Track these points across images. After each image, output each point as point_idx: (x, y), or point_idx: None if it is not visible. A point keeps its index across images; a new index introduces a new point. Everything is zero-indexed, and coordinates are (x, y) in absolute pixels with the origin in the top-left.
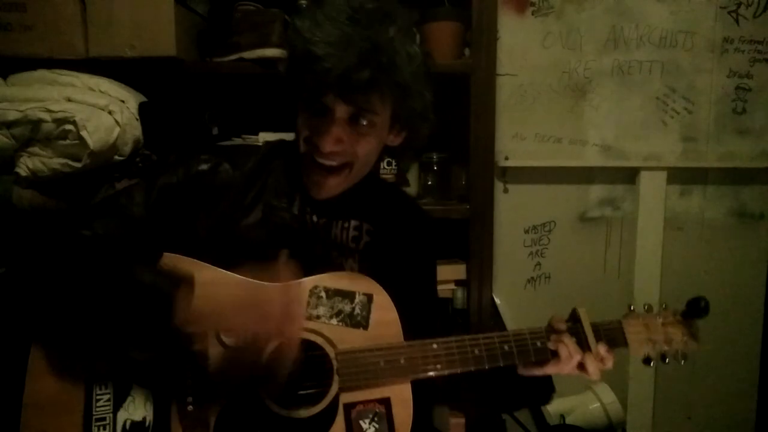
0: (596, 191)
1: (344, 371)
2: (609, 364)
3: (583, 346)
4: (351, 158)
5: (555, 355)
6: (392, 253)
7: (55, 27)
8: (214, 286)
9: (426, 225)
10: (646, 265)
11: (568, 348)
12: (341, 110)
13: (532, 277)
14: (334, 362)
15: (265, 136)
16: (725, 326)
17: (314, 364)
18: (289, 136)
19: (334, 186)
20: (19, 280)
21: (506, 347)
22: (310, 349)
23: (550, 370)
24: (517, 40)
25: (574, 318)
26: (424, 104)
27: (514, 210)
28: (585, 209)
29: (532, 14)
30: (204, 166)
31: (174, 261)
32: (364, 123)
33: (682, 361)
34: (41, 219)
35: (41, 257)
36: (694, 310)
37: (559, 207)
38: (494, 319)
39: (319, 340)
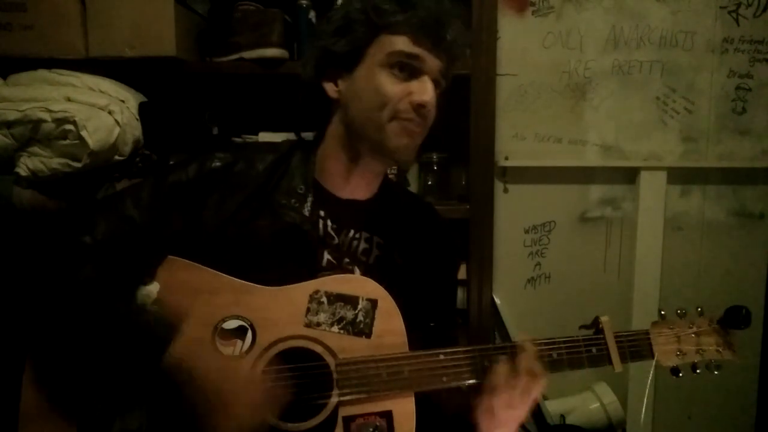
0: (596, 191)
1: (344, 383)
2: (535, 388)
3: (604, 359)
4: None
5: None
6: (407, 269)
7: (55, 27)
8: (211, 294)
9: (448, 240)
10: (646, 265)
11: (501, 371)
12: (434, 64)
13: (532, 277)
14: (334, 373)
15: (265, 136)
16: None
17: (314, 374)
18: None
19: (419, 141)
20: (14, 295)
21: (486, 362)
22: (309, 359)
23: (482, 404)
24: (517, 40)
25: (596, 327)
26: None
27: (514, 210)
28: (585, 209)
29: (532, 14)
30: (218, 163)
31: (172, 267)
32: (443, 82)
33: (715, 372)
34: (42, 221)
35: (38, 275)
36: (734, 319)
37: (559, 207)
38: (494, 319)
39: (318, 349)
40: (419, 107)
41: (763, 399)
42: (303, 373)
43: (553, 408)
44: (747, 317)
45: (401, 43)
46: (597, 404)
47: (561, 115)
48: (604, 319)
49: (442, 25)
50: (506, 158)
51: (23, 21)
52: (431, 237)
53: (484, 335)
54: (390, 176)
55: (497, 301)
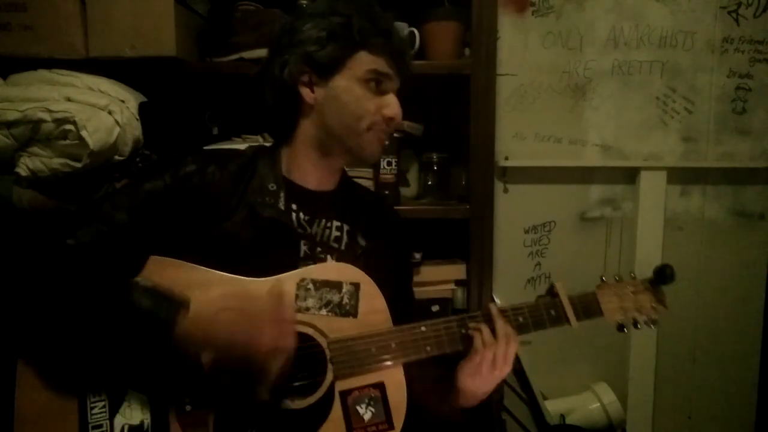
0: (596, 191)
1: (338, 360)
2: (512, 348)
3: (561, 319)
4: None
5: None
6: (369, 252)
7: (55, 27)
8: (203, 288)
9: (401, 226)
10: (646, 265)
11: (482, 335)
12: (396, 83)
13: (532, 277)
14: (327, 352)
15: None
16: (725, 326)
17: (308, 355)
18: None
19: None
20: (5, 297)
21: (463, 330)
22: (302, 341)
23: (467, 367)
24: (517, 40)
25: (552, 292)
26: None
27: (514, 210)
28: (585, 209)
29: (532, 14)
30: (191, 167)
31: (161, 265)
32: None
33: (652, 326)
34: (42, 221)
35: (29, 275)
36: (661, 277)
37: (559, 207)
38: None
39: (310, 331)
40: (390, 120)
41: (763, 398)
42: (298, 354)
43: (553, 408)
44: (672, 274)
45: (378, 63)
46: (597, 404)
47: (561, 115)
48: (558, 284)
49: (406, 52)
50: (506, 158)
51: (23, 21)
52: (386, 221)
53: None
54: (390, 176)
55: (497, 301)
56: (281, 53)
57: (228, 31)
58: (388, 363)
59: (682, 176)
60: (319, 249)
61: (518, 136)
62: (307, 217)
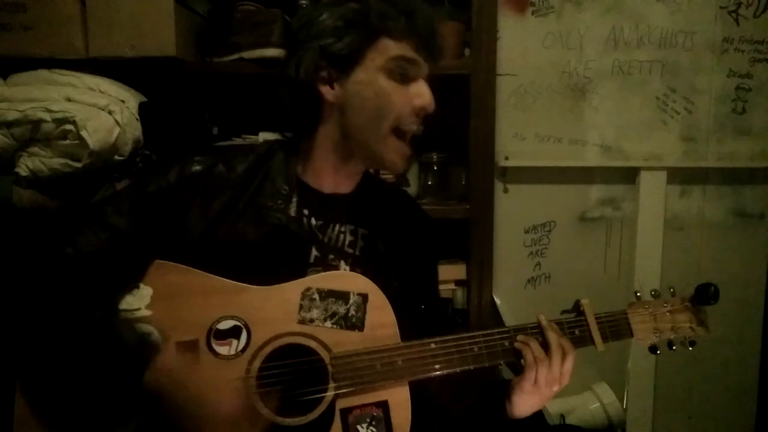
0: (596, 191)
1: (340, 376)
2: (568, 362)
3: (586, 340)
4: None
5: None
6: (390, 257)
7: (55, 27)
8: (204, 295)
9: (427, 227)
10: (646, 265)
11: (532, 350)
12: (425, 69)
13: (532, 277)
14: (329, 367)
15: (265, 136)
16: (725, 326)
17: (308, 370)
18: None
19: (406, 163)
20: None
21: (506, 343)
22: (304, 354)
23: (524, 384)
24: (517, 40)
25: (577, 310)
26: None
27: (514, 210)
28: (585, 209)
29: (532, 14)
30: (198, 167)
31: (163, 269)
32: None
33: (690, 348)
34: (42, 221)
35: (20, 287)
36: (703, 296)
37: (559, 207)
38: (494, 319)
39: (312, 344)
40: (421, 110)
41: (764, 398)
42: (299, 369)
43: (553, 408)
44: (716, 293)
45: (403, 49)
46: (597, 404)
47: (561, 115)
48: (584, 301)
49: (435, 31)
50: (506, 158)
51: (23, 21)
52: (412, 224)
53: None
54: (390, 176)
55: (497, 301)
56: (297, 49)
57: (228, 31)
58: (393, 381)
59: (682, 176)
60: (331, 255)
61: (518, 136)
62: (319, 223)
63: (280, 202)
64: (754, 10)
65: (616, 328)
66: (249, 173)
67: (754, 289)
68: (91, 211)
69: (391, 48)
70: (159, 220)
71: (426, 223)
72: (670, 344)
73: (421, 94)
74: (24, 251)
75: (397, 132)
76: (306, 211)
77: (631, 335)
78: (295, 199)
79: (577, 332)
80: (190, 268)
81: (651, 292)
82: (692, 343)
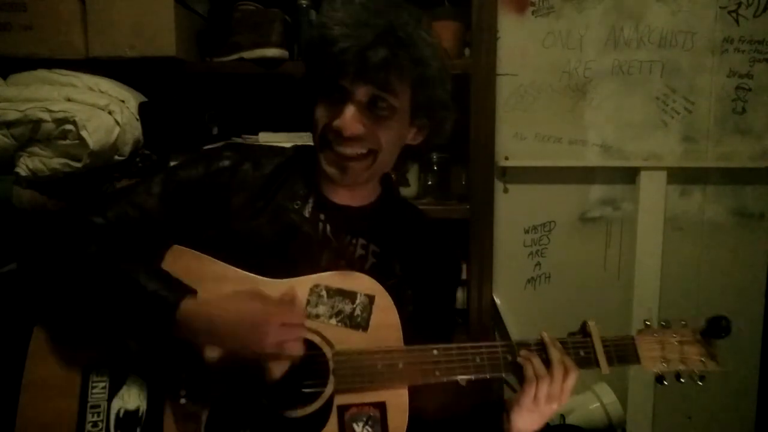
0: (596, 191)
1: (340, 372)
2: (570, 380)
3: (591, 362)
4: (374, 145)
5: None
6: (407, 281)
7: (55, 27)
8: (217, 282)
9: (450, 256)
10: (646, 265)
11: (533, 366)
12: (360, 92)
13: (532, 277)
14: (331, 363)
15: (265, 137)
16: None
17: (311, 363)
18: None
19: (359, 171)
20: (26, 268)
21: (509, 357)
22: (307, 348)
23: (522, 399)
24: (517, 40)
25: (583, 331)
26: (444, 91)
27: (514, 210)
28: (585, 209)
29: (532, 14)
30: (226, 163)
31: (180, 254)
32: (384, 106)
33: (699, 382)
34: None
35: (52, 246)
36: (715, 329)
37: (559, 207)
38: (494, 319)
39: (316, 339)
40: (338, 132)
41: (763, 399)
42: (300, 362)
43: None
44: (727, 326)
45: (326, 77)
46: (597, 404)
47: (561, 115)
48: (591, 323)
49: (363, 52)
50: (506, 158)
51: (23, 21)
52: (433, 251)
53: (484, 335)
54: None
55: (497, 301)
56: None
57: (228, 31)
58: (393, 383)
59: (682, 176)
60: (342, 263)
61: (518, 136)
62: (333, 229)
63: (296, 203)
64: (754, 10)
65: (623, 353)
66: (273, 174)
67: (754, 289)
68: (122, 190)
69: (320, 76)
70: (184, 206)
71: (448, 251)
72: (678, 376)
73: (338, 117)
74: (54, 219)
75: (327, 146)
76: (322, 216)
77: (638, 361)
78: (311, 202)
79: (582, 353)
80: (205, 255)
81: (661, 322)
82: (701, 377)
